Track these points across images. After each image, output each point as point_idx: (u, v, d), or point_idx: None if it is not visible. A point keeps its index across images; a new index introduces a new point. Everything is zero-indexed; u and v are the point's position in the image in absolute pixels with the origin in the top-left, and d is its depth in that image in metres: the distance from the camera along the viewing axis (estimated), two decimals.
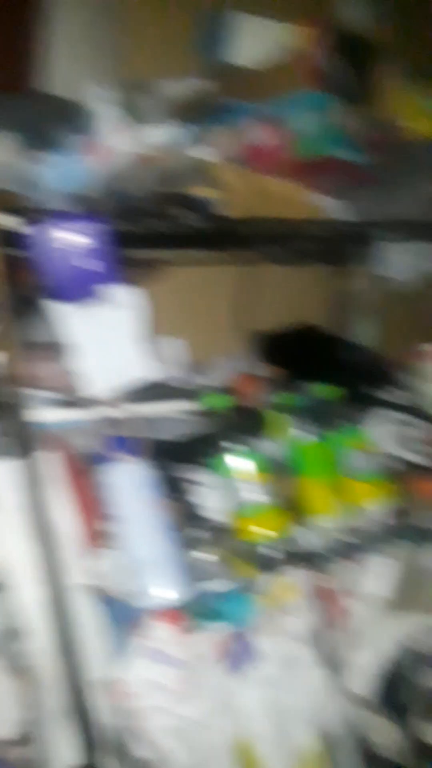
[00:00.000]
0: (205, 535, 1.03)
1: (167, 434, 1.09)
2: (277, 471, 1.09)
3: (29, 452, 0.89)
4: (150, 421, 1.06)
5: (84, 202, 0.94)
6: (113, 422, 1.01)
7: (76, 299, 0.94)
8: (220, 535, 1.04)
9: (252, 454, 1.06)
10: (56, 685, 0.88)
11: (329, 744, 1.09)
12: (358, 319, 1.54)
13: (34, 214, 0.89)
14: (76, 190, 0.95)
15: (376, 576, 1.18)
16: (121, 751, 0.92)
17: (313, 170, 1.19)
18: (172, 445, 1.08)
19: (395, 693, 1.14)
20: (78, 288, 0.92)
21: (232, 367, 1.29)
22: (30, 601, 0.89)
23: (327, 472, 1.13)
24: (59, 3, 1.23)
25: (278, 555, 1.04)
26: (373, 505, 1.15)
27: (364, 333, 1.52)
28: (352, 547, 1.13)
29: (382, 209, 1.25)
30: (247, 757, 1.02)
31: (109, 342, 0.97)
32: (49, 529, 0.89)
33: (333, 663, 1.11)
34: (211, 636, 1.01)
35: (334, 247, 1.42)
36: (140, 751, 0.93)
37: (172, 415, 1.11)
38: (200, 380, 1.23)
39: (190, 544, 1.01)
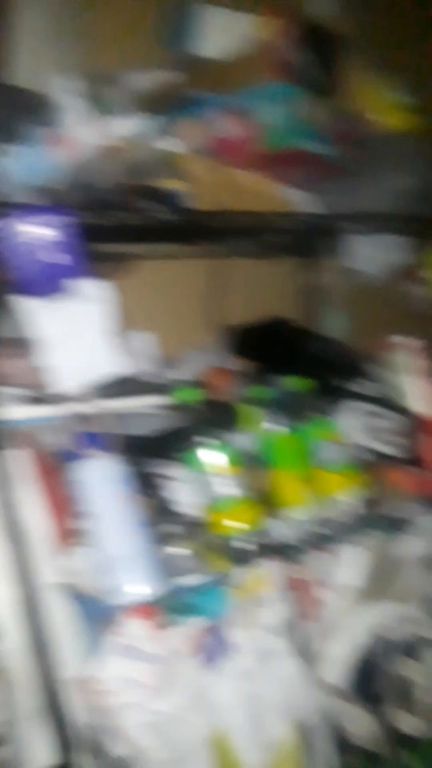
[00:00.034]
0: (178, 529, 1.03)
1: (139, 429, 1.08)
2: (250, 464, 1.09)
3: None
4: (121, 417, 1.06)
5: (50, 194, 0.93)
6: (84, 418, 1.00)
7: (43, 294, 0.92)
8: (194, 529, 1.04)
9: (224, 448, 1.06)
10: (30, 684, 0.87)
11: (304, 734, 1.10)
12: (328, 311, 1.54)
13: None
14: (42, 183, 0.93)
15: (348, 566, 1.19)
16: (96, 749, 0.92)
17: (280, 162, 1.19)
18: (143, 441, 1.07)
19: (369, 682, 1.15)
20: (46, 282, 0.91)
21: (204, 360, 1.29)
22: (2, 600, 0.88)
23: (299, 464, 1.14)
24: None
25: (251, 548, 1.05)
26: (345, 495, 1.16)
27: (334, 325, 1.53)
28: (324, 538, 1.14)
29: (349, 202, 1.26)
30: (223, 750, 1.03)
31: (79, 337, 0.96)
32: (20, 528, 0.88)
33: (307, 654, 1.12)
34: (186, 630, 1.01)
35: (303, 240, 1.42)
36: (116, 749, 0.93)
37: (144, 410, 1.11)
38: (171, 374, 1.22)
39: (163, 539, 1.00)
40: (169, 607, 0.99)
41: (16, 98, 1.08)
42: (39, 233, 0.87)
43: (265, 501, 1.09)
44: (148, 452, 1.05)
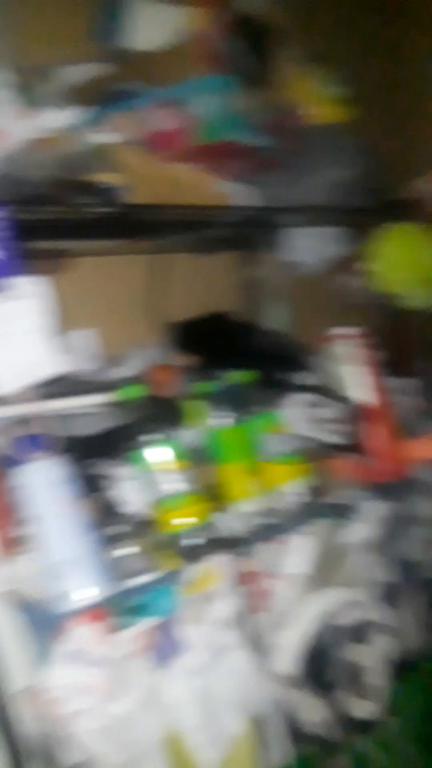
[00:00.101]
0: (125, 529, 1.01)
1: (82, 429, 1.06)
2: (196, 459, 1.09)
3: None
4: (63, 417, 1.03)
5: None
6: (24, 420, 0.97)
7: None
8: (141, 528, 1.02)
9: (169, 444, 1.05)
10: None
11: (258, 727, 1.11)
12: (268, 304, 1.55)
13: None
14: None
15: (296, 555, 1.20)
16: (49, 759, 0.90)
17: (215, 155, 1.19)
18: (87, 441, 1.05)
19: (320, 669, 1.17)
20: None
21: (146, 357, 1.27)
22: None
23: (245, 456, 1.14)
24: None
25: (200, 543, 1.04)
26: (291, 485, 1.16)
27: (274, 318, 1.54)
28: (272, 529, 1.15)
29: (286, 194, 1.27)
30: (178, 749, 1.02)
31: (15, 336, 0.93)
32: None
33: (258, 645, 1.13)
34: (136, 631, 1.00)
35: (241, 233, 1.42)
36: (70, 757, 0.91)
37: (86, 409, 1.08)
38: (114, 372, 1.20)
39: (111, 540, 0.98)
40: (119, 608, 0.97)
41: None
42: None
43: (213, 495, 1.09)
44: (92, 452, 1.03)
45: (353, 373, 1.32)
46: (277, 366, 1.30)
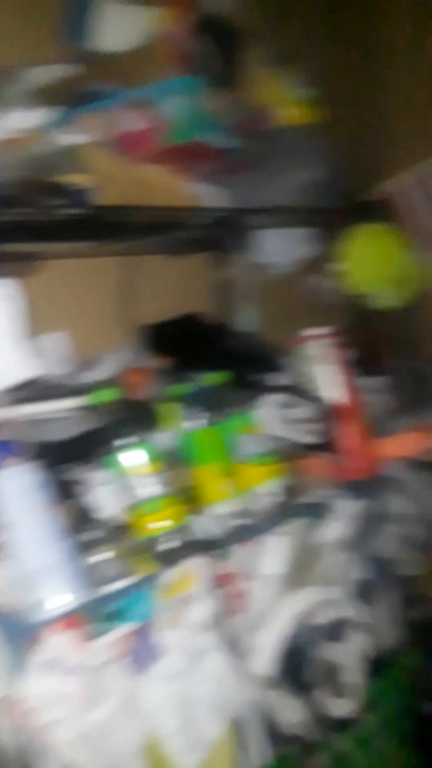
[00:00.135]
0: (100, 535, 1.00)
1: (54, 434, 1.05)
2: (170, 462, 1.08)
3: None
4: (35, 422, 1.02)
5: None
6: None
7: None
8: (117, 533, 1.01)
9: (144, 447, 1.05)
10: None
11: (237, 729, 1.11)
12: (239, 305, 1.55)
13: None
14: None
15: (272, 555, 1.20)
16: None
17: (184, 156, 1.18)
18: (60, 446, 1.03)
19: (297, 669, 1.17)
20: None
21: (118, 360, 1.26)
22: None
23: (219, 458, 1.14)
24: None
25: (176, 546, 1.04)
26: (266, 486, 1.17)
27: (246, 319, 1.54)
28: (248, 530, 1.15)
29: (254, 195, 1.27)
30: (156, 755, 1.01)
31: None
32: None
33: (236, 648, 1.12)
34: (113, 637, 0.99)
35: (211, 234, 1.42)
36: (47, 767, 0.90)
37: (59, 414, 1.07)
38: (86, 375, 1.19)
39: (86, 546, 0.97)
40: (95, 615, 0.96)
41: None
42: None
43: (188, 498, 1.09)
44: (66, 457, 1.02)
45: (325, 372, 1.33)
46: (250, 367, 1.30)
